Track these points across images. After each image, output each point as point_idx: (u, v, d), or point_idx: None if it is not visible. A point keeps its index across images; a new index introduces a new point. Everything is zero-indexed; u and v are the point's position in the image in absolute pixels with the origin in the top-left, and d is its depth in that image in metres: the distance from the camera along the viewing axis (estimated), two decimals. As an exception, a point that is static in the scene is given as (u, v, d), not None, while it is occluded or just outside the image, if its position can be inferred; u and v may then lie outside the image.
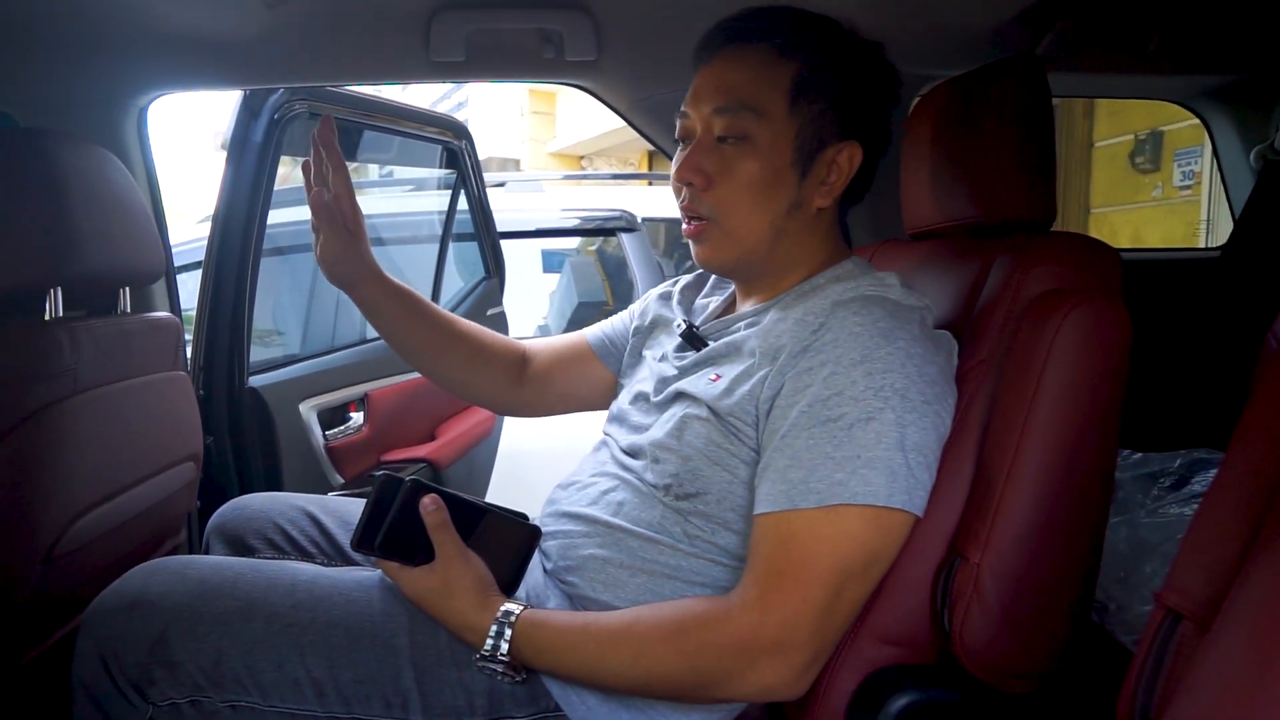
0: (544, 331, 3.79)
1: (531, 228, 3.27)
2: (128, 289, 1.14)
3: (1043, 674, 0.83)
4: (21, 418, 0.83)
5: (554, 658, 0.84)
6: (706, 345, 0.99)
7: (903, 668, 0.85)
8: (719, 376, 0.92)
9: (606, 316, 1.21)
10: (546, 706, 0.89)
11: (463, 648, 0.88)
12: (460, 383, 1.20)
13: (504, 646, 0.84)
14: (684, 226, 0.96)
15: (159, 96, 1.37)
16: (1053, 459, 0.79)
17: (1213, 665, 0.51)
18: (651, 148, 1.63)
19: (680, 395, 0.95)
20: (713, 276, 1.12)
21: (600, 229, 3.17)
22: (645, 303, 1.18)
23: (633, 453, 0.97)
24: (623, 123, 1.58)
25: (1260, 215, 1.61)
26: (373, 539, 0.88)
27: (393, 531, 0.88)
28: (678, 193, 0.96)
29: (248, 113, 1.52)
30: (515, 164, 10.98)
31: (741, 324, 0.97)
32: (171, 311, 1.44)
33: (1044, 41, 1.31)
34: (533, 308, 3.93)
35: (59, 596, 0.92)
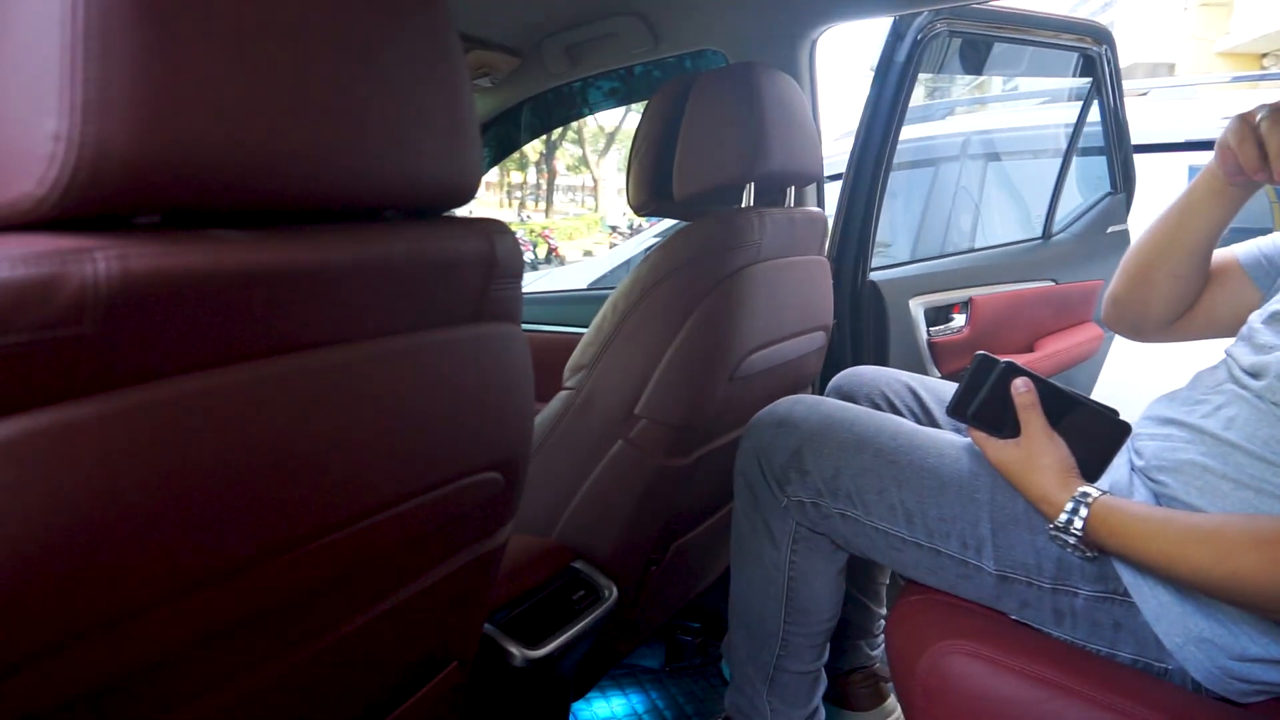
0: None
1: (1179, 139, 2.90)
2: (793, 188, 1.44)
3: None
4: (726, 274, 1.16)
5: (1128, 542, 0.88)
6: None
7: None
8: None
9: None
10: (1114, 589, 0.94)
11: (1038, 515, 0.97)
12: (1152, 295, 1.12)
13: (1078, 523, 0.90)
14: None
15: (829, 28, 1.64)
16: None
17: None
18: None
19: None
20: None
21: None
22: None
23: (1255, 372, 0.93)
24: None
25: None
26: (966, 408, 1.01)
27: (985, 404, 1.00)
28: None
29: (895, 36, 1.70)
30: (1169, 69, 9.48)
31: None
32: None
33: None
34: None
35: (735, 409, 1.27)
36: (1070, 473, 0.95)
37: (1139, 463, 0.99)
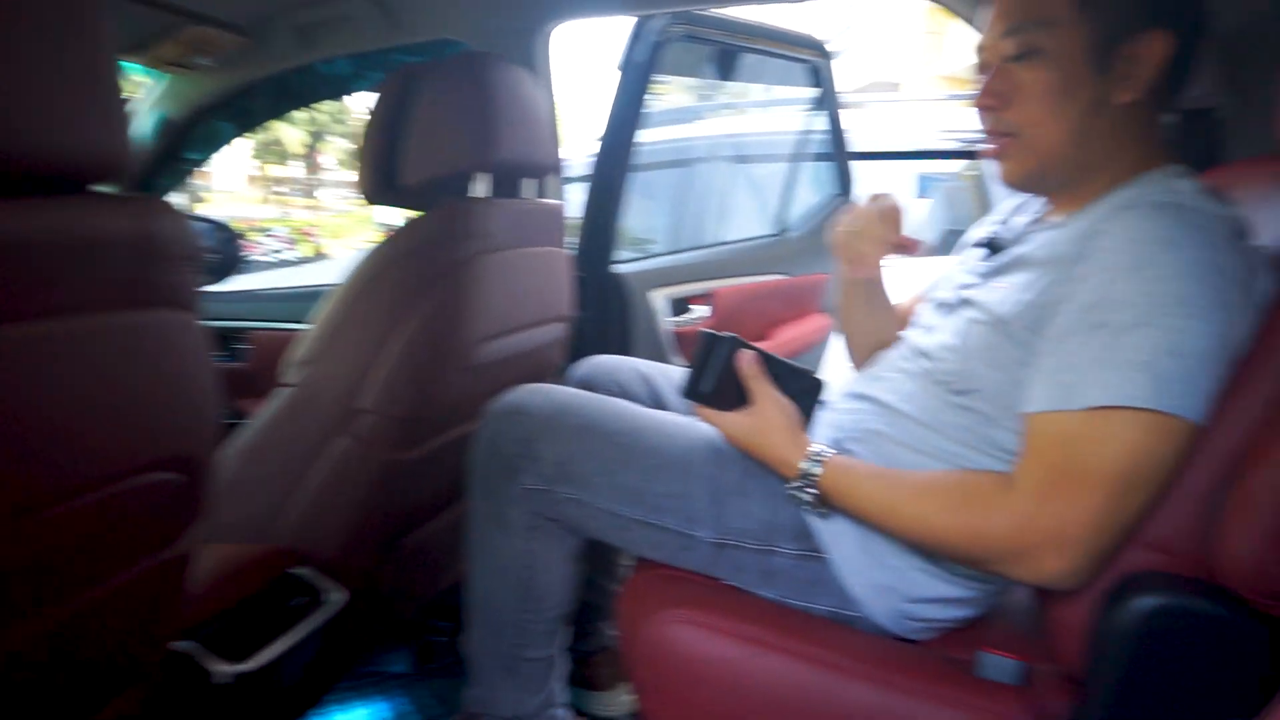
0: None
1: (894, 150, 3.25)
2: (529, 180, 1.45)
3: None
4: (456, 262, 1.15)
5: (854, 499, 0.95)
6: (1002, 254, 1.03)
7: (1160, 574, 0.86)
8: (1006, 285, 0.96)
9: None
10: (812, 548, 1.03)
11: (751, 483, 1.04)
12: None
13: (815, 475, 0.96)
14: (988, 149, 0.98)
15: (562, 23, 1.67)
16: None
17: None
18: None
19: (968, 302, 1.01)
20: None
21: (961, 152, 3.06)
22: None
23: (922, 352, 1.05)
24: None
25: None
26: (696, 386, 1.04)
27: (714, 380, 1.02)
28: (983, 124, 0.98)
29: (635, 36, 1.77)
30: (896, 88, 10.57)
31: (1037, 234, 1.00)
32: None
33: None
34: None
35: (469, 400, 1.26)
36: (799, 432, 1.01)
37: (836, 434, 1.09)
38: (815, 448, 0.98)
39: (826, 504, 0.98)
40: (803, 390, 1.07)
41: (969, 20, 1.52)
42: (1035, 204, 1.12)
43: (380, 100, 1.24)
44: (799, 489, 0.98)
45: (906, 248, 1.15)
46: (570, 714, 1.27)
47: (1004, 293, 0.95)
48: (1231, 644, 0.81)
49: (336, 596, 1.13)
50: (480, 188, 1.27)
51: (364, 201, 1.32)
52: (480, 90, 1.19)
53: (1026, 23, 0.91)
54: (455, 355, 1.18)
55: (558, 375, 1.65)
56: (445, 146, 1.19)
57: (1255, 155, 1.13)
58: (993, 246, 1.06)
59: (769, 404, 1.01)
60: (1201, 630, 0.82)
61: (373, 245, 1.16)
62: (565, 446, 1.10)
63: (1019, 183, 1.00)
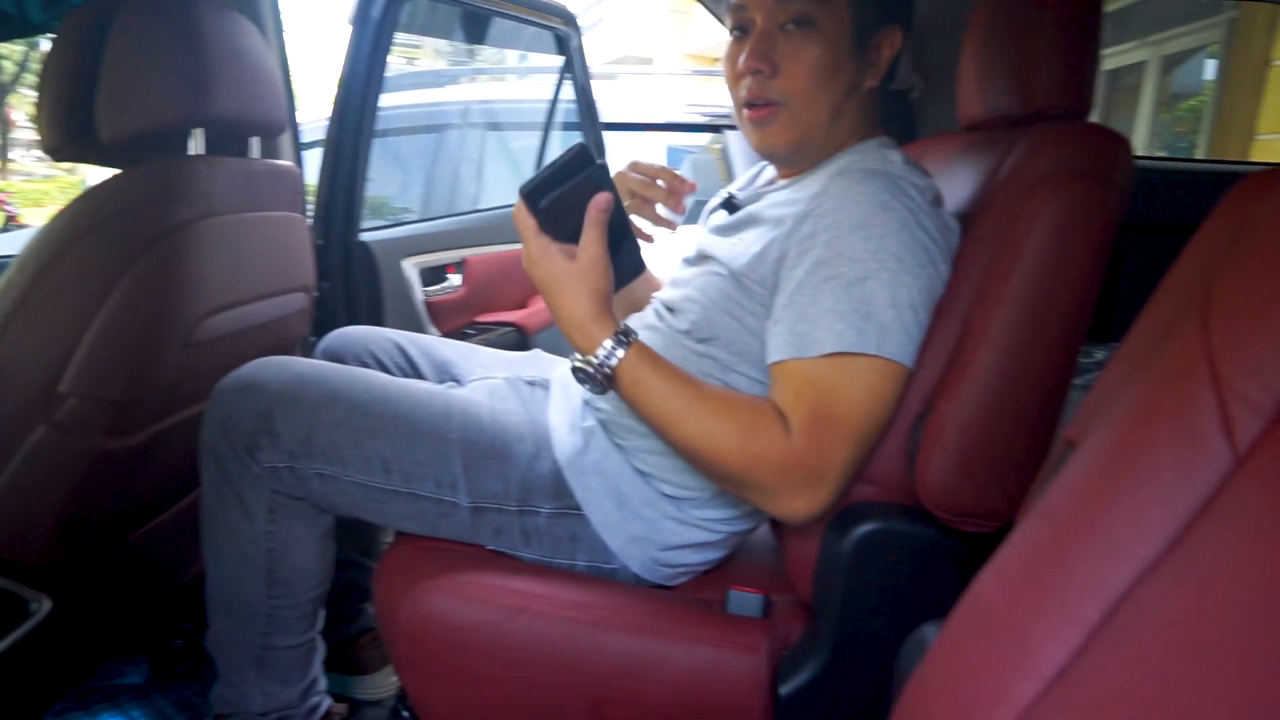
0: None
1: (645, 121, 3.34)
2: (258, 139, 1.34)
3: (994, 516, 0.92)
4: (169, 228, 1.03)
5: (647, 392, 0.90)
6: (738, 212, 1.09)
7: (874, 503, 0.97)
8: (740, 240, 1.03)
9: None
10: (570, 505, 1.05)
11: (504, 443, 1.04)
12: None
13: (614, 360, 0.89)
14: (744, 112, 1.01)
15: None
16: (1020, 322, 0.87)
17: (1067, 470, 0.60)
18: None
19: (707, 257, 1.07)
20: None
21: (708, 125, 3.22)
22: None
23: (669, 306, 1.10)
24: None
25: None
26: (539, 197, 0.87)
27: (559, 200, 0.87)
28: (735, 81, 1.02)
29: (370, -11, 1.67)
30: (648, 62, 10.89)
31: (769, 193, 1.07)
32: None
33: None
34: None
35: (196, 379, 1.15)
36: (609, 307, 0.92)
37: (586, 396, 1.11)
38: (626, 327, 0.91)
39: (613, 387, 0.92)
40: (625, 265, 0.95)
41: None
42: (769, 168, 1.20)
43: (62, 40, 1.08)
44: (592, 364, 0.90)
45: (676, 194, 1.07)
46: (333, 701, 1.22)
47: (738, 247, 1.01)
48: (929, 557, 0.94)
49: (41, 606, 1.00)
50: (197, 145, 1.15)
51: (58, 161, 1.15)
52: (190, 34, 1.08)
53: None
54: (173, 330, 1.06)
55: (304, 349, 1.55)
56: (149, 97, 1.07)
57: (941, 131, 1.29)
58: (730, 206, 1.12)
59: (596, 260, 0.89)
60: (905, 548, 0.94)
61: (64, 209, 1.02)
62: (307, 419, 1.04)
63: (779, 151, 1.03)
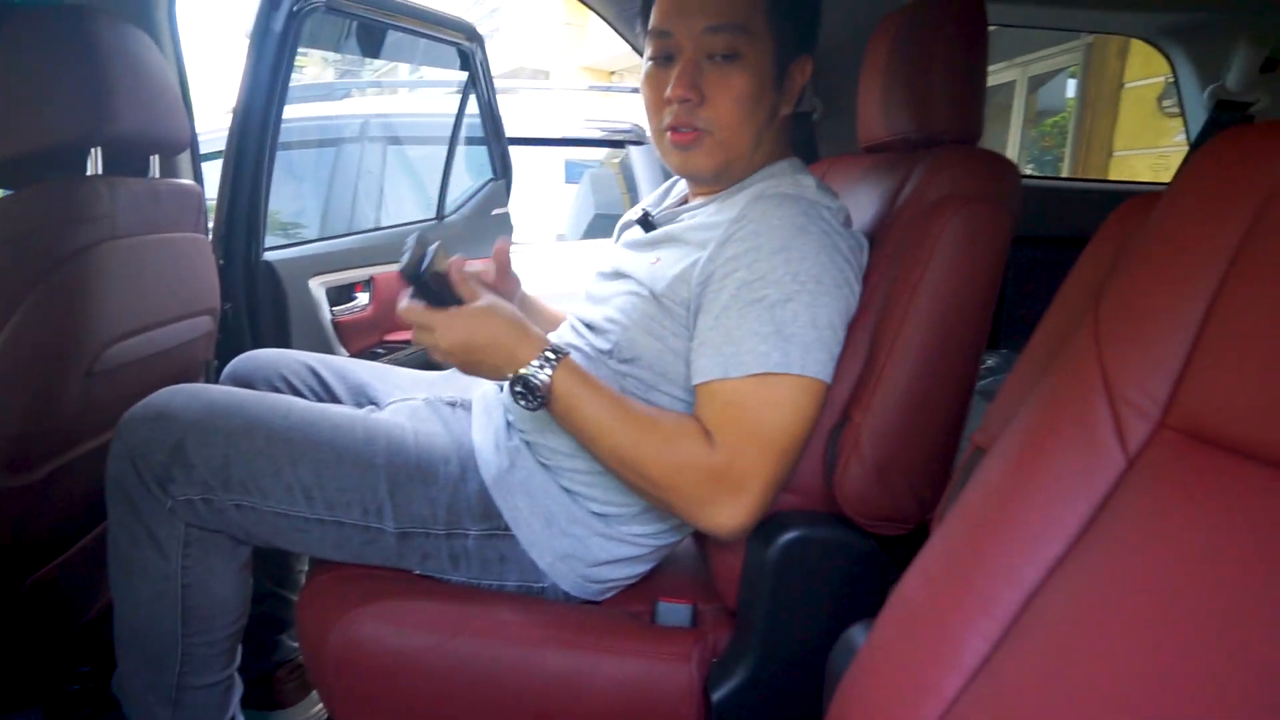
0: (561, 239, 3.91)
1: (547, 136, 3.35)
2: (158, 157, 1.29)
3: (909, 519, 0.98)
4: (69, 253, 0.99)
5: (578, 407, 0.93)
6: (655, 231, 1.12)
7: (797, 511, 1.01)
8: (659, 259, 1.06)
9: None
10: (498, 526, 1.06)
11: (430, 466, 1.04)
12: None
13: (544, 375, 0.92)
14: (669, 136, 1.03)
15: (187, -17, 1.50)
16: (927, 338, 0.93)
17: (979, 474, 0.65)
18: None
19: (625, 275, 1.10)
20: None
21: (609, 140, 3.25)
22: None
23: (588, 324, 1.12)
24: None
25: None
26: (413, 283, 0.94)
27: (425, 282, 0.94)
28: (658, 109, 1.04)
29: (270, 4, 1.63)
30: (545, 74, 10.90)
31: (686, 214, 1.11)
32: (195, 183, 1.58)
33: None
34: (554, 217, 4.04)
35: (99, 410, 1.10)
36: (529, 329, 0.95)
37: (510, 417, 1.12)
38: (554, 345, 0.94)
39: (548, 402, 0.93)
40: None
41: (611, 20, 1.62)
42: (680, 184, 1.23)
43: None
44: (524, 381, 0.92)
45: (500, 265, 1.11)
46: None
47: (656, 267, 1.04)
48: (849, 561, 0.98)
49: None
50: (96, 164, 1.11)
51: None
52: (86, 48, 1.03)
53: (731, 25, 0.99)
54: (75, 360, 1.02)
55: (208, 374, 1.50)
56: (44, 114, 1.02)
57: (843, 152, 1.36)
58: (647, 224, 1.15)
59: (491, 300, 0.94)
60: (826, 554, 0.98)
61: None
62: (223, 449, 1.01)
63: (702, 174, 1.07)
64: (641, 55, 1.09)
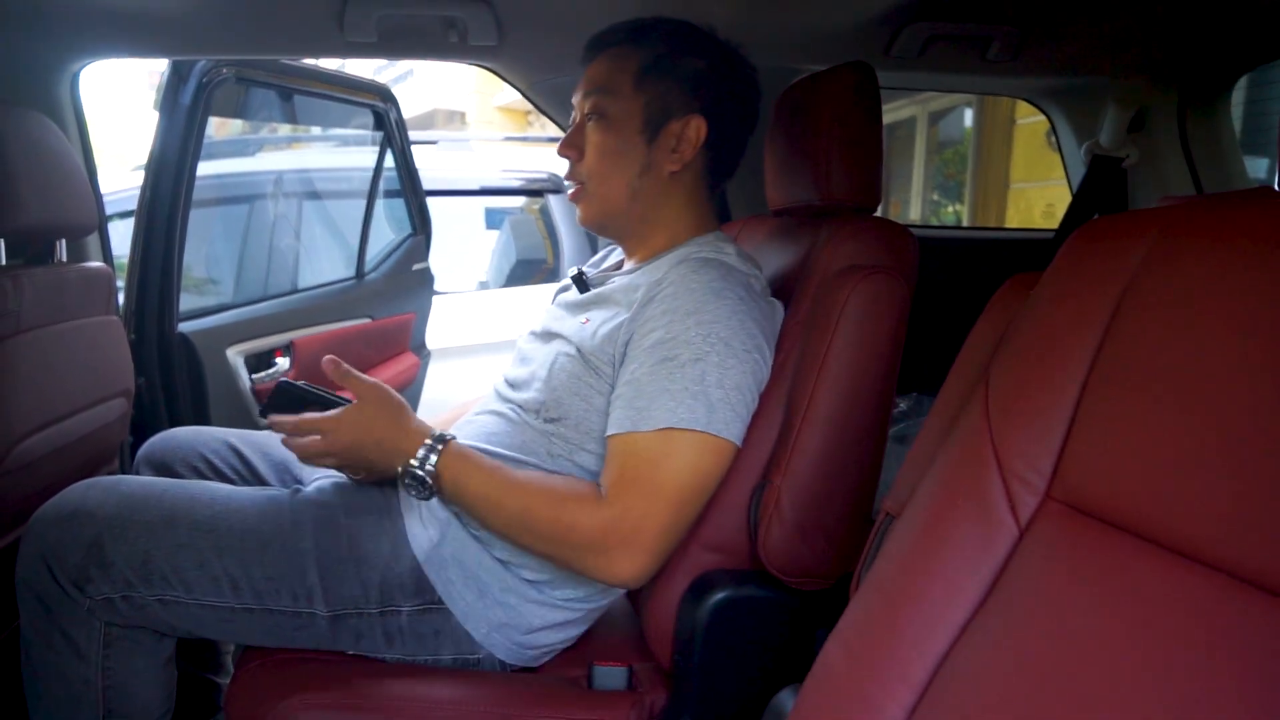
0: (484, 287, 3.91)
1: (464, 187, 3.36)
2: (64, 241, 1.26)
3: (830, 575, 1.02)
4: (-29, 353, 0.96)
5: (468, 486, 0.98)
6: (588, 292, 1.16)
7: (723, 571, 1.04)
8: (589, 320, 1.09)
9: (546, 274, 1.38)
10: (431, 600, 1.05)
11: (360, 546, 1.03)
12: None
13: (431, 462, 0.97)
14: (569, 193, 1.15)
15: (90, 63, 1.47)
16: (838, 403, 0.98)
17: (889, 544, 0.70)
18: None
19: (556, 335, 1.12)
20: None
21: (527, 190, 3.28)
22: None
23: (514, 384, 1.14)
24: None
25: (1087, 204, 1.84)
26: (287, 406, 1.01)
27: (295, 399, 1.01)
28: (567, 170, 1.15)
29: (176, 77, 1.61)
30: (461, 116, 10.89)
31: (616, 278, 1.14)
32: (105, 262, 1.55)
33: (898, 41, 1.49)
34: (476, 264, 4.03)
35: (7, 508, 1.06)
36: (411, 421, 1.01)
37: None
38: (439, 434, 0.99)
39: (439, 491, 0.99)
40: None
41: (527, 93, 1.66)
42: (617, 251, 1.28)
43: None
44: (416, 471, 0.97)
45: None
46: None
47: (586, 327, 1.07)
48: (776, 618, 1.02)
49: None
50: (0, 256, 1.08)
51: None
52: None
53: (598, 89, 1.10)
54: (-16, 458, 0.99)
55: (124, 455, 1.46)
56: None
57: (754, 214, 1.41)
58: (581, 285, 1.18)
59: (371, 390, 1.01)
60: (754, 612, 1.02)
61: None
62: (143, 543, 0.99)
63: (589, 224, 1.17)
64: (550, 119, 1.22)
